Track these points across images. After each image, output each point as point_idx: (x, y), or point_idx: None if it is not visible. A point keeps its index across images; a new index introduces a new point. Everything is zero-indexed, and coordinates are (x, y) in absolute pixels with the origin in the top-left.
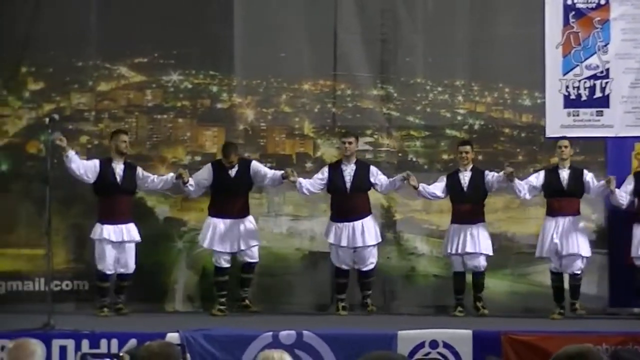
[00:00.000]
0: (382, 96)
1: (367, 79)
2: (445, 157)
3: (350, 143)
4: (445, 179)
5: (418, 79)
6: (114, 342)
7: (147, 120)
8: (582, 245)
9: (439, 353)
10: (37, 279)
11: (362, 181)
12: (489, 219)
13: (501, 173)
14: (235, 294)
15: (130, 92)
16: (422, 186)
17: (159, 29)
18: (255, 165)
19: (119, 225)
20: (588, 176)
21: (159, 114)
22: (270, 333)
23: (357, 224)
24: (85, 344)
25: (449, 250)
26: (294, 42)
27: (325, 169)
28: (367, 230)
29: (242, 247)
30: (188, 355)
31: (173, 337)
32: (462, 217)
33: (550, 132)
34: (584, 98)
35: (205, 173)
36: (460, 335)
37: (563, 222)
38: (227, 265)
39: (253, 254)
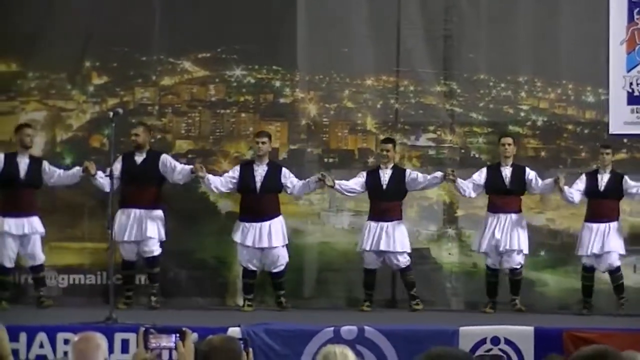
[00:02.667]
0: (445, 92)
1: (430, 75)
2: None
3: (263, 143)
4: (365, 174)
5: (481, 75)
6: None
7: (210, 114)
8: (522, 242)
9: (500, 349)
10: (99, 273)
11: (273, 182)
12: (549, 215)
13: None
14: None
15: (193, 86)
16: (339, 183)
17: (222, 24)
18: (165, 158)
19: (21, 219)
20: (530, 174)
21: (222, 108)
22: (332, 328)
23: (265, 224)
24: None
25: (364, 247)
26: (357, 38)
27: (237, 168)
28: (275, 231)
29: (143, 239)
30: (250, 350)
31: (235, 331)
32: (380, 214)
33: (614, 129)
34: None
35: (117, 163)
36: (522, 332)
37: (505, 219)
38: (135, 258)
39: (151, 249)
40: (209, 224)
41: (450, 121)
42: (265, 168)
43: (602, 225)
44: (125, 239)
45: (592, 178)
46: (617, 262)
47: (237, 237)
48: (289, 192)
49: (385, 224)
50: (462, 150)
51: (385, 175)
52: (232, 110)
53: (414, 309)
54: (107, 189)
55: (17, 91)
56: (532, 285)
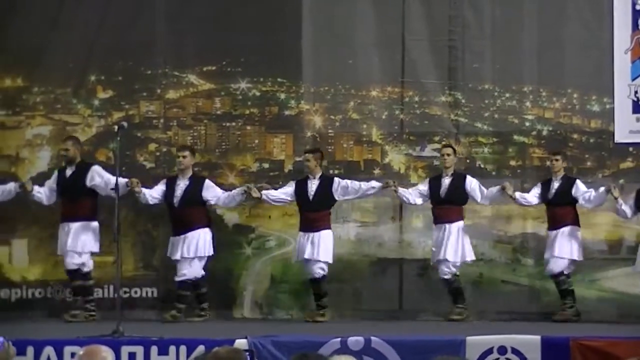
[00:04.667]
0: (450, 102)
1: (435, 86)
2: (513, 163)
3: (184, 157)
4: (293, 184)
5: (486, 85)
6: (183, 349)
7: (215, 127)
8: (466, 250)
9: (507, 359)
10: (106, 286)
11: (193, 196)
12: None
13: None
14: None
15: (198, 99)
16: (266, 194)
17: (227, 37)
18: (95, 170)
19: None
20: (472, 183)
21: (227, 121)
22: (339, 339)
23: (189, 235)
24: (154, 350)
25: (296, 259)
26: (362, 49)
27: (164, 182)
28: (195, 243)
29: (78, 251)
30: None
31: (241, 343)
32: (309, 224)
33: (619, 138)
34: None
35: (51, 178)
36: (529, 341)
37: (448, 228)
38: (75, 267)
39: (83, 262)
40: (216, 236)
41: (456, 131)
42: (187, 182)
43: (554, 232)
44: (68, 249)
45: (545, 185)
46: (558, 268)
47: (170, 253)
48: (212, 203)
49: (312, 234)
50: (468, 161)
51: (313, 185)
52: (237, 123)
53: (316, 321)
54: (46, 203)
55: (22, 106)
56: (539, 294)
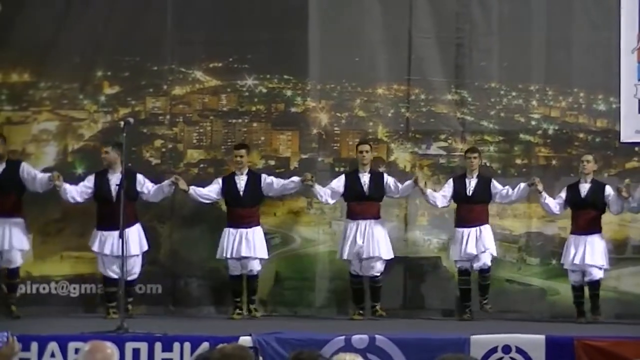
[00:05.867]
0: (456, 101)
1: (441, 84)
2: (519, 161)
3: (106, 152)
4: (220, 181)
5: (492, 84)
6: (187, 345)
7: (221, 124)
8: (382, 249)
9: (511, 358)
10: None
11: (128, 190)
12: (561, 224)
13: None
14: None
15: (205, 96)
16: (194, 189)
17: (233, 34)
18: (24, 166)
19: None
20: (389, 180)
21: (233, 118)
22: (343, 337)
23: (126, 232)
24: (158, 346)
25: (223, 255)
26: (369, 47)
27: (92, 177)
28: (132, 239)
29: (7, 248)
30: (261, 358)
31: (246, 340)
32: (238, 220)
33: (625, 137)
34: None
35: None
36: (533, 340)
37: (364, 225)
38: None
39: (13, 259)
40: (221, 232)
41: (462, 129)
42: (119, 176)
43: (473, 230)
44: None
45: (460, 183)
46: (489, 262)
47: (94, 246)
48: (144, 198)
49: (244, 230)
50: None
51: (242, 181)
52: (243, 119)
53: (253, 316)
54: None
55: (29, 101)
56: (544, 293)
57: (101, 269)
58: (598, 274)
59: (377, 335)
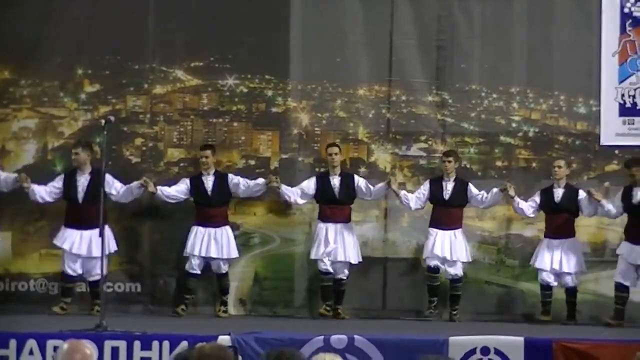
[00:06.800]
0: (437, 102)
1: (422, 85)
2: (499, 163)
3: (76, 153)
4: (187, 181)
5: (473, 86)
6: (166, 344)
7: (202, 123)
8: (350, 253)
9: (490, 359)
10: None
11: (96, 190)
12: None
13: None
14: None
15: (185, 95)
16: (161, 189)
17: (215, 33)
18: None
19: None
20: (360, 182)
21: (214, 117)
22: (322, 337)
23: (87, 233)
24: (137, 345)
25: (189, 251)
26: (350, 48)
27: (61, 177)
28: (95, 240)
29: None
30: (240, 358)
31: (225, 339)
32: (207, 220)
33: (605, 140)
34: (639, 106)
35: None
36: (512, 342)
37: (334, 228)
38: None
39: None
40: None
41: (442, 131)
42: (88, 177)
43: (447, 233)
44: None
45: (437, 185)
46: (461, 272)
47: (57, 241)
48: (113, 199)
49: (212, 230)
50: None
51: (209, 181)
52: (224, 119)
53: (219, 316)
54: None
55: (9, 98)
56: (523, 295)
57: (62, 264)
58: (573, 282)
59: (356, 336)
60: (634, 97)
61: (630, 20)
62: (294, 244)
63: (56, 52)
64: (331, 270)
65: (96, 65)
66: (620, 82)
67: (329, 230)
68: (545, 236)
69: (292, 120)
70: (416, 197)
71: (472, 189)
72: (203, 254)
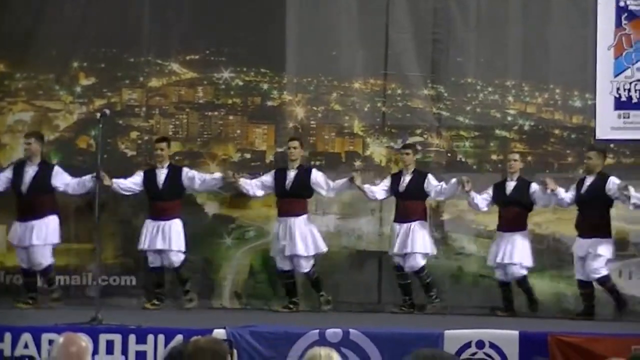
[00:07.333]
0: (432, 96)
1: (417, 79)
2: (494, 157)
3: (28, 144)
4: (142, 173)
5: (469, 79)
6: (161, 338)
7: (197, 117)
8: (310, 245)
9: (485, 353)
10: (85, 274)
11: (42, 183)
12: (537, 219)
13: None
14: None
15: (181, 88)
16: (117, 182)
17: (210, 26)
18: None
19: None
20: (318, 177)
21: (209, 111)
22: (317, 331)
23: (30, 224)
24: (132, 338)
25: (141, 247)
26: (346, 41)
27: (10, 168)
28: (37, 229)
29: None
30: (235, 351)
31: (220, 333)
32: (158, 214)
33: (601, 134)
34: (634, 100)
35: None
36: (507, 336)
37: (287, 222)
38: None
39: None
40: (195, 225)
41: (437, 125)
42: (36, 169)
43: (405, 225)
44: None
45: (395, 179)
46: (421, 263)
47: (10, 237)
48: (61, 190)
49: (162, 223)
50: (449, 154)
51: (162, 174)
52: (219, 112)
53: (186, 308)
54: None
55: (4, 91)
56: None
57: (18, 260)
58: (519, 272)
59: (351, 330)
60: (629, 90)
61: (625, 14)
62: None
63: (51, 45)
64: (288, 267)
65: (91, 58)
66: (616, 75)
67: (281, 226)
68: (497, 229)
69: (288, 113)
70: (382, 189)
71: (431, 180)
72: (150, 247)
